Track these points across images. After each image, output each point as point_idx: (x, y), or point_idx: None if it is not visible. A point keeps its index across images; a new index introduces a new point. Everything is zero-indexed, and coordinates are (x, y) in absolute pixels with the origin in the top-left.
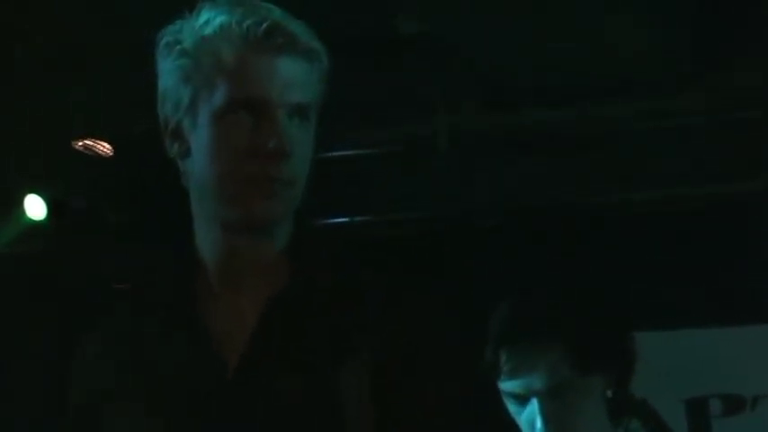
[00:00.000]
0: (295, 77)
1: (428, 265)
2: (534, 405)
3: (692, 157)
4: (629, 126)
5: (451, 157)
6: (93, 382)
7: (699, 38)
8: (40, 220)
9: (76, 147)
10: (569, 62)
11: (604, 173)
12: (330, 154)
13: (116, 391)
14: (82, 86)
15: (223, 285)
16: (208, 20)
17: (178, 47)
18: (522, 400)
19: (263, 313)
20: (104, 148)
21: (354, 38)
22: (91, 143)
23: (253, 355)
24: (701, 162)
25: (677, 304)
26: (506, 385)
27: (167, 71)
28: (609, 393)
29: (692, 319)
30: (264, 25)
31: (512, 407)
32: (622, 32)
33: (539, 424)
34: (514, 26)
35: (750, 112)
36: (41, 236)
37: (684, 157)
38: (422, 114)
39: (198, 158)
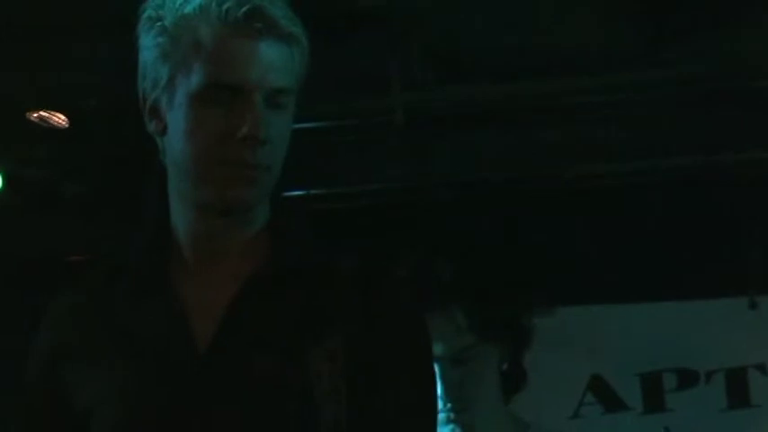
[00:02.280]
0: (273, 62)
1: (382, 237)
2: None
3: (649, 130)
4: (585, 100)
5: (407, 131)
6: (58, 354)
7: (659, 12)
8: None
9: (31, 118)
10: (526, 36)
11: (558, 147)
12: None
13: (85, 364)
14: (37, 57)
15: (198, 263)
16: None
17: (158, 23)
18: None
19: (238, 293)
20: (59, 119)
21: (312, 11)
22: (46, 114)
23: (226, 332)
24: (658, 136)
25: (632, 279)
26: None
27: (147, 47)
28: (504, 366)
29: (647, 294)
30: (244, 8)
31: None
32: (581, 6)
33: (438, 390)
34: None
35: (708, 86)
36: None
37: (640, 130)
38: (378, 88)
39: (174, 138)
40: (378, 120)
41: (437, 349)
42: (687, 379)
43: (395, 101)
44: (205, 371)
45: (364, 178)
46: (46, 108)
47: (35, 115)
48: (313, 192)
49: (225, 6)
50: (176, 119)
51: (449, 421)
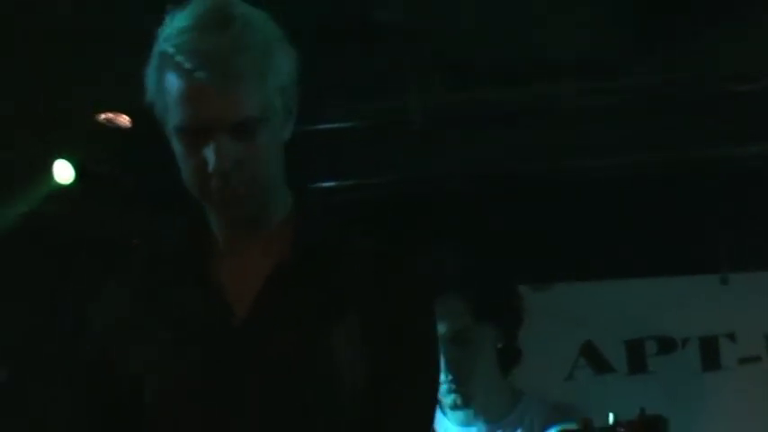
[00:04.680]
0: (231, 102)
1: (397, 225)
2: None
3: (636, 128)
4: (581, 102)
5: (423, 130)
6: (111, 327)
7: (645, 22)
8: (68, 184)
9: (100, 119)
10: (527, 45)
11: (553, 143)
12: (314, 127)
13: (135, 336)
14: (107, 64)
15: (231, 249)
16: (167, 36)
17: (153, 62)
18: None
19: (268, 275)
20: (124, 120)
21: (338, 25)
22: (112, 116)
23: (258, 309)
24: (644, 133)
25: (620, 258)
26: None
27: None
28: (500, 345)
29: (632, 272)
30: (194, 61)
31: None
32: (576, 21)
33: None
34: (480, 13)
35: (684, 90)
36: (68, 197)
37: (627, 130)
38: (397, 92)
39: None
40: (396, 120)
41: (438, 329)
42: (666, 345)
43: (411, 103)
44: (239, 342)
45: (382, 173)
46: (112, 110)
47: (103, 117)
48: (342, 183)
49: (177, 59)
50: (173, 144)
51: (450, 391)
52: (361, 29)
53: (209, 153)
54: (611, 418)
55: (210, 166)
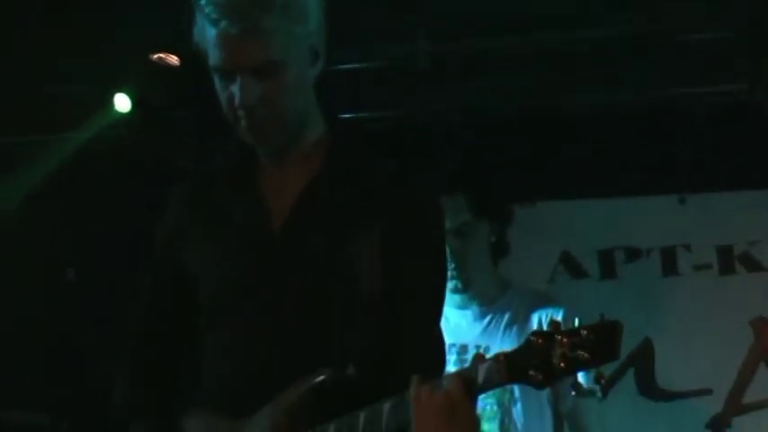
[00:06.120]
0: (254, 47)
1: (404, 152)
2: None
3: (609, 72)
4: (558, 51)
5: (429, 73)
6: (173, 236)
7: None
8: (126, 113)
9: (153, 58)
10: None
11: (541, 85)
12: (336, 67)
13: (192, 242)
14: (157, 11)
15: (272, 167)
16: None
17: (197, 11)
18: None
19: (303, 189)
20: (173, 59)
21: None
22: (163, 56)
23: (293, 219)
24: (615, 75)
25: (594, 181)
26: None
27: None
28: (492, 239)
29: (605, 192)
30: (223, 15)
31: None
32: None
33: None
34: None
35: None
36: (126, 125)
37: (601, 74)
38: (408, 40)
39: None
40: (407, 63)
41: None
42: (632, 254)
43: (420, 49)
44: (278, 246)
45: (395, 108)
46: (164, 50)
47: (155, 56)
48: (358, 116)
49: (206, 9)
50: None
51: (452, 277)
52: None
53: (236, 90)
54: (576, 321)
55: (237, 101)
